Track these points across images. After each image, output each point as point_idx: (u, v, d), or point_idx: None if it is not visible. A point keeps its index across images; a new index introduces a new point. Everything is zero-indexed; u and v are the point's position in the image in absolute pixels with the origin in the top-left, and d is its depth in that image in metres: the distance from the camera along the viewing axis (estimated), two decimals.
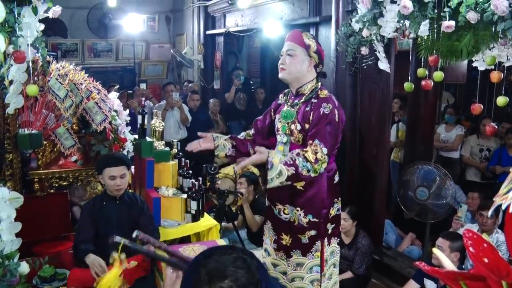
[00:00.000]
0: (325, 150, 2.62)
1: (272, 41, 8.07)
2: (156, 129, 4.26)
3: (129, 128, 4.40)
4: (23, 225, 2.64)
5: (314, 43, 2.83)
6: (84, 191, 4.35)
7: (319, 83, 2.90)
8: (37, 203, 3.88)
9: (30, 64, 3.15)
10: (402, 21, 3.34)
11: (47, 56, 3.65)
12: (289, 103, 2.93)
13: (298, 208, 2.85)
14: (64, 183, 4.13)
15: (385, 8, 3.44)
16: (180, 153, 4.42)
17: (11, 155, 3.82)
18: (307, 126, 2.77)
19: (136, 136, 4.28)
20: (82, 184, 4.28)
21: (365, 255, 4.08)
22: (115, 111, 4.06)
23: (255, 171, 5.33)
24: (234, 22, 7.29)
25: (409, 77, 3.81)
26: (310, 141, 2.67)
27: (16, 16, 2.75)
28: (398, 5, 3.22)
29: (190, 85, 8.10)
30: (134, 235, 1.85)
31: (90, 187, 4.22)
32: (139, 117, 4.17)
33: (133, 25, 8.88)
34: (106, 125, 3.88)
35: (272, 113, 3.09)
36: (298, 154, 2.61)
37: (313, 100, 2.81)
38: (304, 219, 2.85)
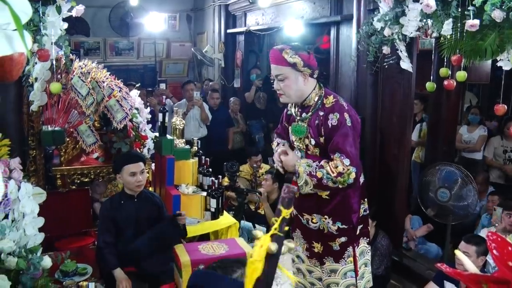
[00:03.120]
0: (346, 161, 2.56)
1: (293, 40, 8.05)
2: (177, 127, 4.29)
3: (150, 126, 4.44)
4: (46, 220, 2.68)
5: (298, 59, 2.63)
6: (105, 188, 4.40)
7: (323, 89, 2.77)
8: (59, 199, 3.94)
9: (54, 62, 3.20)
10: (424, 20, 3.30)
11: (70, 55, 3.70)
12: (298, 117, 2.83)
13: (326, 216, 2.80)
14: (86, 180, 4.18)
15: (407, 6, 3.41)
16: (200, 151, 4.45)
17: (34, 151, 3.89)
18: (322, 139, 2.70)
19: (157, 134, 4.32)
20: (103, 180, 4.33)
21: (384, 256, 4.05)
22: (137, 109, 4.10)
23: None
24: (255, 21, 7.29)
25: (431, 77, 3.77)
26: (332, 155, 2.63)
27: (40, 15, 2.80)
28: (421, 3, 3.19)
29: (210, 83, 8.13)
30: None
31: (112, 185, 4.27)
32: (160, 115, 4.20)
33: (154, 23, 8.95)
34: (127, 123, 3.92)
35: (286, 124, 3.02)
36: (321, 167, 2.60)
37: (320, 113, 2.70)
38: (333, 226, 2.80)
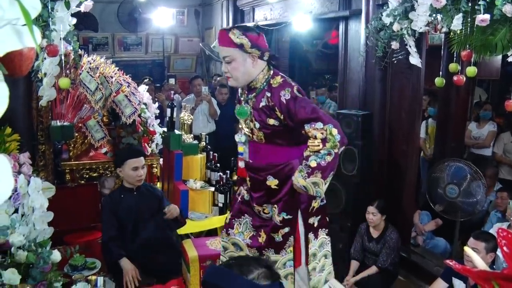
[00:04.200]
0: (319, 125, 2.44)
1: (301, 35, 8.03)
2: (185, 122, 4.30)
3: (158, 121, 4.46)
4: (55, 215, 2.70)
5: (245, 39, 2.50)
6: (114, 183, 4.42)
7: (271, 71, 2.63)
8: (68, 194, 3.96)
9: (63, 57, 3.21)
10: (434, 15, 3.28)
11: (79, 50, 3.72)
12: (243, 98, 2.71)
13: (276, 205, 2.70)
14: (94, 175, 4.21)
15: (416, 1, 3.39)
16: (209, 146, 4.46)
17: (44, 146, 3.92)
18: (271, 121, 2.56)
19: (165, 129, 4.33)
20: (111, 175, 4.35)
21: (392, 250, 4.05)
22: (145, 104, 4.11)
23: None
24: (263, 16, 7.27)
25: (440, 72, 3.75)
26: (303, 131, 2.50)
27: (49, 10, 2.80)
28: None
29: (218, 78, 8.13)
30: None
31: (119, 180, 4.29)
32: (168, 110, 4.21)
33: (162, 19, 8.95)
34: (136, 118, 3.93)
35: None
36: (307, 157, 2.48)
37: (267, 94, 2.56)
38: (278, 217, 2.68)
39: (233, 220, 2.88)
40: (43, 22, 2.79)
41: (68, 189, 4.03)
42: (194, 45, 9.68)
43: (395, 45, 3.87)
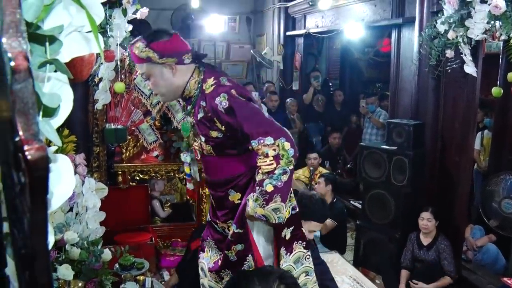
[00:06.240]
0: (269, 140, 2.10)
1: (352, 42, 7.96)
2: None
3: None
4: (107, 215, 2.78)
5: (150, 52, 2.15)
6: (164, 186, 4.51)
7: (202, 73, 2.26)
8: (119, 195, 4.08)
9: (119, 62, 3.32)
10: (492, 22, 3.18)
11: None
12: (184, 112, 2.42)
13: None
14: (145, 177, 4.31)
15: (473, 8, 3.29)
16: None
17: (98, 148, 4.05)
18: (213, 134, 2.21)
19: None
20: (161, 178, 4.45)
21: (451, 254, 3.99)
22: None
23: None
24: (315, 23, 7.26)
25: (498, 82, 3.62)
26: (250, 147, 2.17)
27: (107, 17, 2.91)
28: (489, 4, 3.07)
29: (266, 85, 8.17)
30: None
31: (171, 184, 4.37)
32: None
33: (214, 25, 9.09)
34: None
35: None
36: (261, 182, 2.13)
37: (202, 103, 2.21)
38: (230, 230, 2.34)
39: (204, 243, 2.59)
40: (101, 28, 2.89)
41: (120, 191, 4.15)
42: (245, 51, 9.76)
43: (449, 53, 3.78)
